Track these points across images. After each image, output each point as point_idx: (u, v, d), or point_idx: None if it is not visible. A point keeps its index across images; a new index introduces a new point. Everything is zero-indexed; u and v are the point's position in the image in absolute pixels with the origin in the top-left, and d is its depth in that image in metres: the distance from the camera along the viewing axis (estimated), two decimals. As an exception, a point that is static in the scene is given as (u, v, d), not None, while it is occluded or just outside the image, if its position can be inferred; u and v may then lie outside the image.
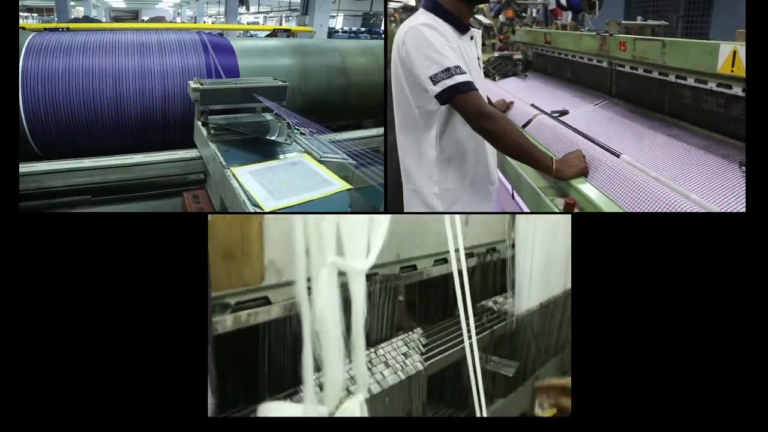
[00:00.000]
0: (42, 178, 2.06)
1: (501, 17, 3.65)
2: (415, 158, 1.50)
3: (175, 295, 1.01)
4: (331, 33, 10.85)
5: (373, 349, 0.99)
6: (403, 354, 1.03)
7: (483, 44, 1.58)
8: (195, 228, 1.00)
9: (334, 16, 17.45)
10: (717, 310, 0.99)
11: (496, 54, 3.28)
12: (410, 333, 1.11)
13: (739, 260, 1.00)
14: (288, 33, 4.80)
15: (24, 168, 2.05)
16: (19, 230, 1.03)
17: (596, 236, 1.03)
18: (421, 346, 1.08)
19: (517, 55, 3.20)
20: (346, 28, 16.34)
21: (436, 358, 1.09)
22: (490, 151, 1.55)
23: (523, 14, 3.42)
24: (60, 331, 1.00)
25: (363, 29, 15.74)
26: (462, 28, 1.44)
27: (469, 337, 1.02)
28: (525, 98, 2.35)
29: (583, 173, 1.44)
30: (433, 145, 1.47)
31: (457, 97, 1.35)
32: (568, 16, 2.83)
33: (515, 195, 1.86)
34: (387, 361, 0.99)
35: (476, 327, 1.22)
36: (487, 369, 1.31)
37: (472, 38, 1.48)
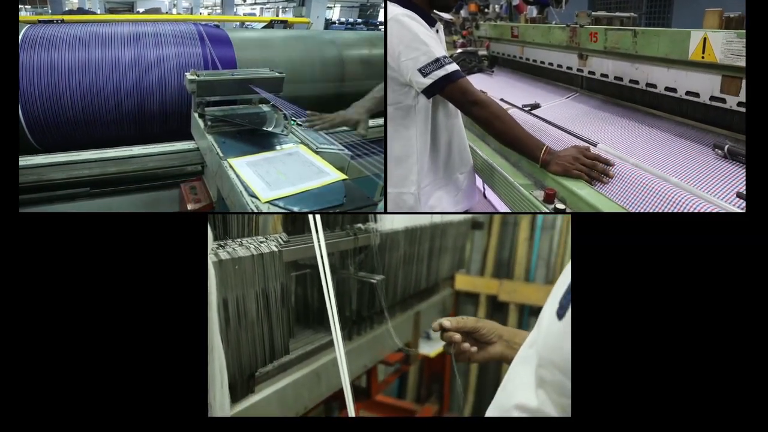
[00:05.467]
0: (40, 171, 2.06)
1: (463, 12, 3.59)
2: (390, 158, 1.47)
3: (175, 294, 1.01)
4: (328, 24, 10.80)
5: (230, 240, 1.05)
6: (261, 242, 1.08)
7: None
8: (195, 228, 1.01)
9: (330, 8, 17.35)
10: (717, 310, 0.98)
11: (459, 50, 3.21)
12: (273, 234, 1.17)
13: (739, 260, 1.00)
14: (285, 24, 4.78)
15: (22, 161, 2.06)
16: (19, 230, 1.03)
17: (596, 236, 1.03)
18: (280, 240, 1.13)
19: (482, 51, 3.14)
20: (342, 20, 16.25)
21: (292, 247, 1.15)
22: (462, 142, 1.56)
23: (486, 9, 3.37)
24: (60, 331, 1.00)
25: (360, 20, 15.66)
26: (430, 20, 1.41)
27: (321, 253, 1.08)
28: (494, 94, 2.34)
29: (570, 173, 1.33)
30: (412, 144, 1.45)
31: (449, 87, 1.34)
32: (532, 12, 2.81)
33: (487, 194, 1.87)
34: (242, 242, 1.04)
35: (342, 237, 1.36)
36: (355, 278, 1.37)
37: (437, 32, 1.45)
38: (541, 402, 0.68)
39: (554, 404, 0.66)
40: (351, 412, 1.04)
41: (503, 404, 0.74)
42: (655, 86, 1.63)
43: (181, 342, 0.99)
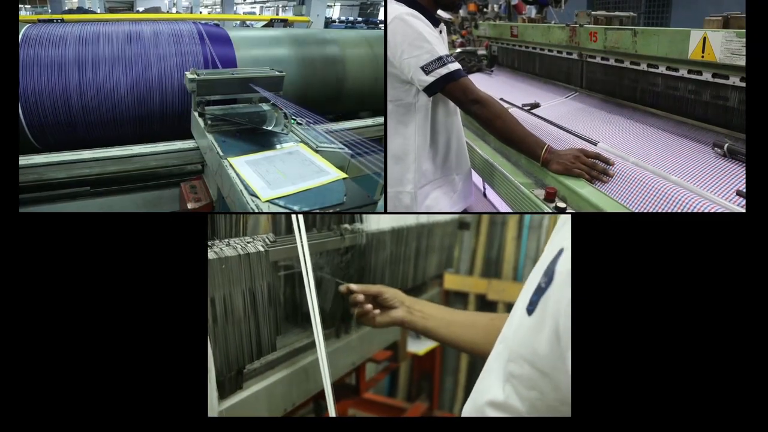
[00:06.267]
0: (41, 170, 2.07)
1: (462, 12, 3.59)
2: (389, 156, 1.47)
3: (175, 294, 1.01)
4: (328, 23, 10.80)
5: (217, 240, 1.08)
6: (247, 242, 1.11)
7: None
8: (195, 227, 1.01)
9: (330, 6, 17.35)
10: (717, 310, 0.98)
11: (458, 50, 3.23)
12: (259, 235, 1.19)
13: (739, 260, 0.99)
14: (285, 23, 4.78)
15: (23, 160, 2.06)
16: (19, 230, 1.03)
17: (596, 236, 1.02)
18: (267, 240, 1.15)
19: (481, 51, 3.14)
20: (343, 18, 16.25)
21: (278, 247, 1.18)
22: (460, 142, 1.56)
23: (485, 9, 3.38)
24: (59, 331, 1.00)
25: (360, 19, 15.67)
26: (434, 20, 1.42)
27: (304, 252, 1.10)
28: (494, 94, 2.34)
29: (571, 172, 1.33)
30: (411, 141, 1.45)
31: (450, 85, 1.34)
32: (531, 11, 2.81)
33: (487, 193, 1.87)
34: (229, 243, 1.07)
35: (328, 236, 1.41)
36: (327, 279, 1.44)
37: (441, 32, 1.46)
38: (507, 396, 0.69)
39: (521, 398, 0.67)
40: (332, 412, 1.05)
41: (477, 401, 0.75)
42: (656, 66, 1.62)
43: (181, 342, 1.00)
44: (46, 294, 1.01)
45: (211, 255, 0.98)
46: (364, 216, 1.54)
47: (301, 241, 1.08)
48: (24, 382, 0.98)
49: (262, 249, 1.11)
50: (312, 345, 1.39)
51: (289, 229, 1.47)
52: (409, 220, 1.76)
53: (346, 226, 1.48)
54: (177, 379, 0.99)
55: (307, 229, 1.35)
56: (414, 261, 1.87)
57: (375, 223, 1.57)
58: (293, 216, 1.11)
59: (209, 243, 1.03)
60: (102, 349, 1.00)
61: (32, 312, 1.00)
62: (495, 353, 0.77)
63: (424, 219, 1.86)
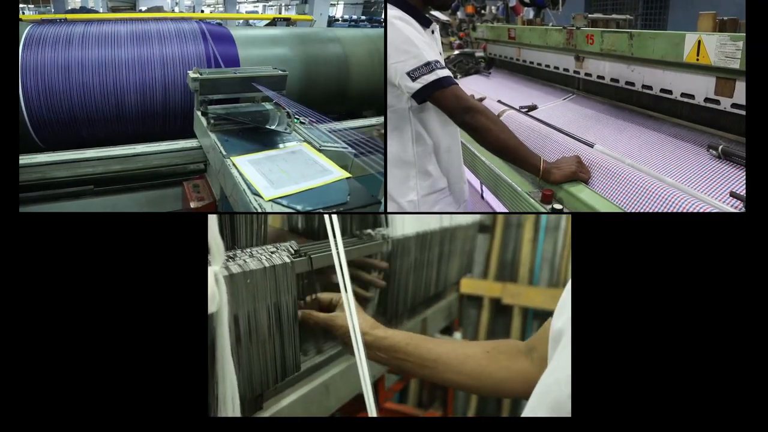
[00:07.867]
0: (44, 170, 2.08)
1: (459, 14, 3.59)
2: (389, 163, 1.44)
3: (175, 294, 1.01)
4: (331, 22, 10.80)
5: (239, 250, 1.02)
6: (271, 252, 1.04)
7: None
8: (195, 227, 1.00)
9: (334, 5, 17.34)
10: (717, 310, 0.99)
11: (456, 52, 3.23)
12: (283, 243, 1.12)
13: (739, 260, 0.99)
14: (288, 22, 4.79)
15: (26, 159, 2.08)
16: (20, 230, 1.03)
17: (596, 236, 1.02)
18: (291, 250, 1.08)
19: (479, 53, 3.14)
20: (346, 17, 16.24)
21: (305, 257, 1.11)
22: (461, 151, 1.54)
23: (483, 11, 3.37)
24: (59, 332, 1.00)
25: (363, 17, 15.65)
26: (425, 21, 1.37)
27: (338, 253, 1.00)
28: (492, 95, 2.33)
29: (573, 178, 1.36)
30: (408, 148, 1.41)
31: (438, 93, 1.29)
32: (529, 13, 2.82)
33: (484, 195, 1.87)
34: (252, 253, 1.00)
35: (352, 243, 1.33)
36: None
37: (433, 32, 1.41)
38: None
39: None
40: (372, 412, 1.01)
41: None
42: (651, 88, 1.64)
43: (181, 342, 1.00)
44: (47, 294, 1.01)
45: (234, 268, 0.93)
46: (390, 220, 1.49)
47: (336, 245, 0.99)
48: (25, 383, 0.98)
49: (287, 260, 1.04)
50: (331, 359, 1.33)
51: (304, 234, 1.43)
52: (433, 224, 1.73)
53: (369, 231, 1.42)
54: (178, 379, 0.99)
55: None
56: (437, 266, 1.83)
57: (400, 227, 1.52)
58: (326, 216, 1.03)
59: (231, 254, 0.99)
60: (102, 349, 1.00)
61: (33, 313, 1.00)
62: (544, 387, 0.72)
63: (446, 222, 1.83)
